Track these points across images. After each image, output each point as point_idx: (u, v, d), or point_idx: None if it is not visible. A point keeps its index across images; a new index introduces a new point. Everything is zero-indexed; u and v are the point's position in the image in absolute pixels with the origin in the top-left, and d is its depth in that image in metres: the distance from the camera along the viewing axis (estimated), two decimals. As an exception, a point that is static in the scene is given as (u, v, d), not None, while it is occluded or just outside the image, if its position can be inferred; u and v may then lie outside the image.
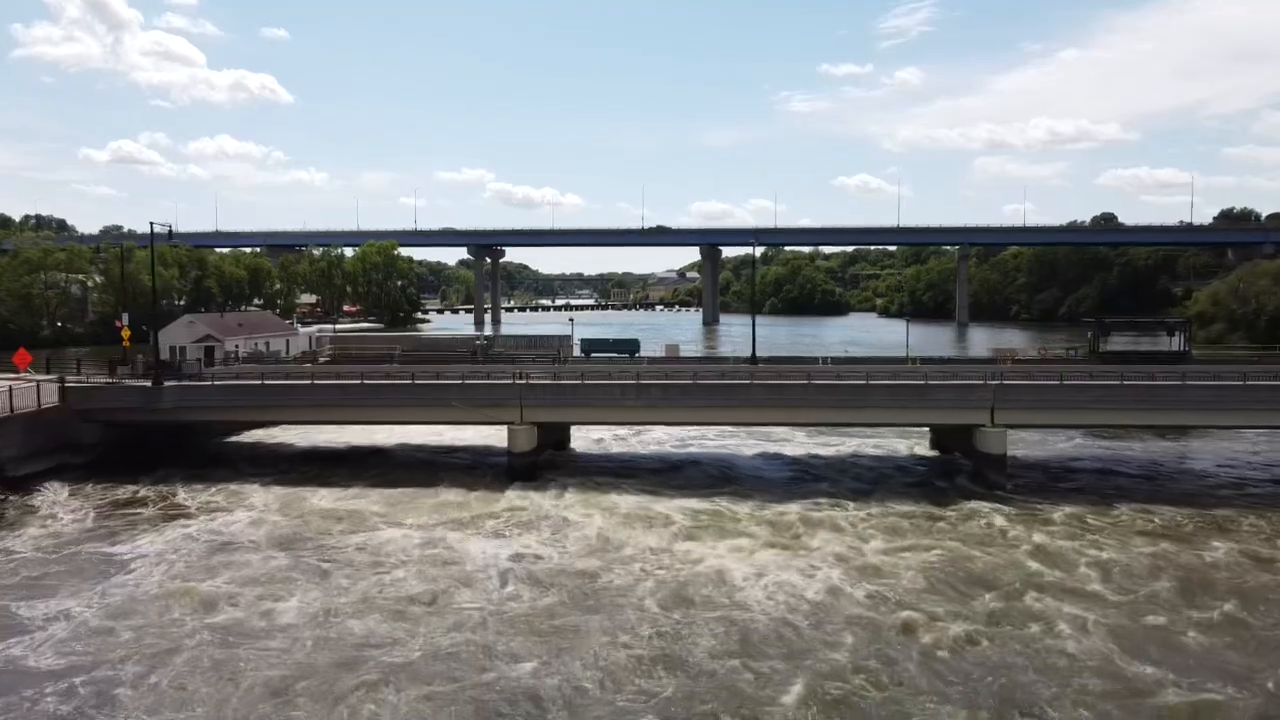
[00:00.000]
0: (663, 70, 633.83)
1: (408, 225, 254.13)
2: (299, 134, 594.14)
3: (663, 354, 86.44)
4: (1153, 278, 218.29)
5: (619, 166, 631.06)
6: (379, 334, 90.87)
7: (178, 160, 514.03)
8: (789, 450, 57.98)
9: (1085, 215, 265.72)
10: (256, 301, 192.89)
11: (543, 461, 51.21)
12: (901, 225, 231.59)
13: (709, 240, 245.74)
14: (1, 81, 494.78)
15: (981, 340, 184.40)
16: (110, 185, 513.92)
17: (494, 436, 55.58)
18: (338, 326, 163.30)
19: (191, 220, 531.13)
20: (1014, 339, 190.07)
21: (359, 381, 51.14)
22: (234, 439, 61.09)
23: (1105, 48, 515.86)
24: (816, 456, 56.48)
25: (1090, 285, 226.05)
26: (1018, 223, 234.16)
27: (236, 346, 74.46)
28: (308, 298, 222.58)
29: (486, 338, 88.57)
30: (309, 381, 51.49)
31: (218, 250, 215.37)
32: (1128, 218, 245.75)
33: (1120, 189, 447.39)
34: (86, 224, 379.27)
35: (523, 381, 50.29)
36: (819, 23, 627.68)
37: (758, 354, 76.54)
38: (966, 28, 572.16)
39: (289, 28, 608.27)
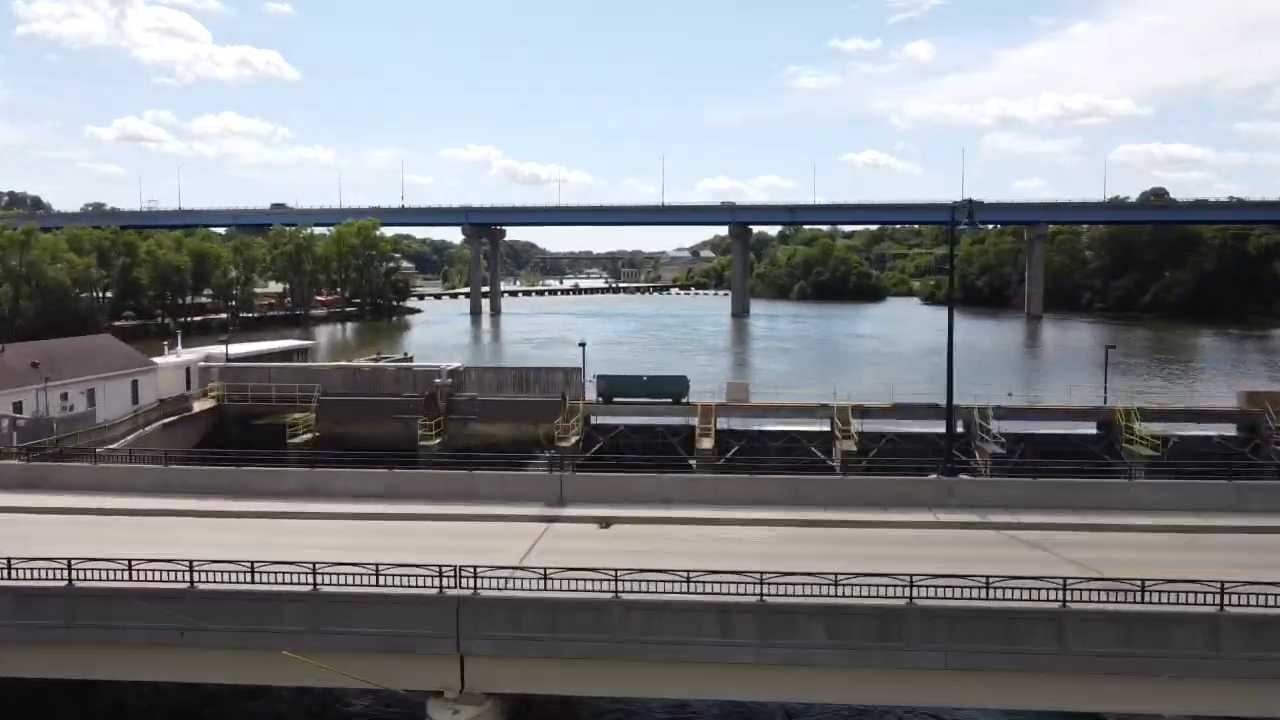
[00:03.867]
0: (670, 46, 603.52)
1: (395, 203, 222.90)
2: (305, 111, 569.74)
3: (723, 398, 56.31)
4: (1265, 260, 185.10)
5: (626, 143, 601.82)
6: (293, 366, 60.59)
7: (183, 138, 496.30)
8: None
9: (1097, 194, 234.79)
10: (206, 293, 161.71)
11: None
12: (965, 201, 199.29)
13: (739, 219, 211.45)
14: (5, 59, 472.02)
15: (1061, 339, 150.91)
16: (116, 163, 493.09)
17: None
18: (282, 324, 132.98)
19: (194, 198, 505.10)
20: (1085, 334, 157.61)
21: (67, 583, 20.98)
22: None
23: (1118, 21, 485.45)
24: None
25: (1182, 269, 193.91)
26: (1095, 198, 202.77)
27: (17, 406, 44.10)
28: (275, 286, 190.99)
29: (453, 371, 58.71)
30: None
31: (166, 231, 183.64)
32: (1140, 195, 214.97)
33: (1131, 163, 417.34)
34: (84, 201, 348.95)
35: (463, 592, 20.05)
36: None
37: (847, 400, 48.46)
38: (977, 1, 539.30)
39: (293, 3, 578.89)
